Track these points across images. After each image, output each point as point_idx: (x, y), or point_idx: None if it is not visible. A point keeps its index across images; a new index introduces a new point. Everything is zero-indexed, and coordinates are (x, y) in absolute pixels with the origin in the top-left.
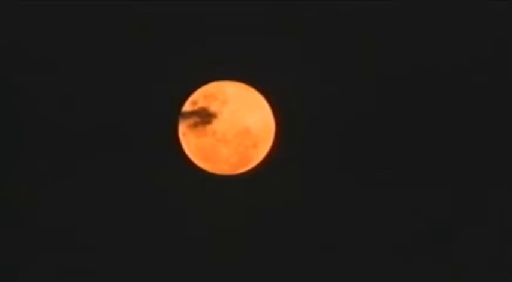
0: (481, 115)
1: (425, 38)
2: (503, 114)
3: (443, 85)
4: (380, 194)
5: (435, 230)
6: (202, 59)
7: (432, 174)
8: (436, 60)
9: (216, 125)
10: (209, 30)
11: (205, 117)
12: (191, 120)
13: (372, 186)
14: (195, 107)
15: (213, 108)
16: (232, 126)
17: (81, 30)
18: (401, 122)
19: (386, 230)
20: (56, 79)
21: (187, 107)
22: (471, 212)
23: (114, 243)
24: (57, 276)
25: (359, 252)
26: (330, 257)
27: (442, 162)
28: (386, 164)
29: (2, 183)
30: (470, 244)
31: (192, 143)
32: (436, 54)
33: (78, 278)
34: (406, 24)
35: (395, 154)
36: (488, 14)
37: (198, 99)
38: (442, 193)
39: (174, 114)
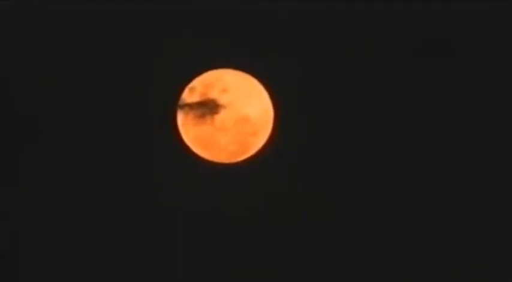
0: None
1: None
2: None
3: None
4: (378, 181)
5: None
6: (201, 48)
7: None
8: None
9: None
10: (208, 19)
11: (213, 108)
12: (198, 111)
13: (371, 173)
14: (202, 98)
15: (211, 96)
16: (231, 114)
17: (78, 24)
18: (399, 113)
19: (384, 219)
20: (55, 71)
21: (186, 95)
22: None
23: (115, 232)
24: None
25: (355, 239)
26: (326, 243)
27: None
28: (383, 152)
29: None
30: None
31: (191, 131)
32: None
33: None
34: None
35: (393, 143)
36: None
37: (196, 87)
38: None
39: (173, 103)
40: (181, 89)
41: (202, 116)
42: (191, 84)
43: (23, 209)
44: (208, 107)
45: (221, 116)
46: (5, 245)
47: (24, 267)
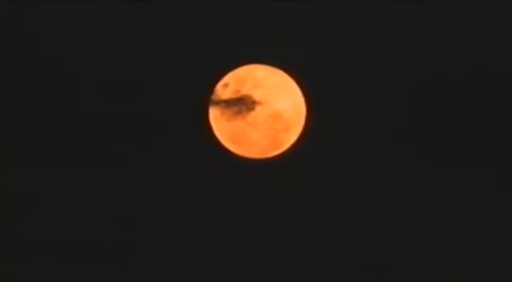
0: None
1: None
2: None
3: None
4: (412, 175)
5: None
6: (233, 43)
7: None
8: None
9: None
10: (240, 15)
11: (249, 104)
12: (235, 108)
13: (402, 166)
14: (234, 94)
15: (244, 92)
16: (263, 110)
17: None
18: (426, 112)
19: (418, 213)
20: (93, 64)
21: (220, 91)
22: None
23: (145, 224)
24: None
25: (390, 232)
26: (360, 235)
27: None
28: (415, 145)
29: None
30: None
31: (223, 126)
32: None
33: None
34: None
35: (427, 138)
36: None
37: (229, 83)
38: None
39: (205, 99)
40: (214, 85)
41: (238, 112)
42: (224, 81)
43: (23, 208)
44: (244, 103)
45: (253, 112)
46: (5, 244)
47: (24, 267)
